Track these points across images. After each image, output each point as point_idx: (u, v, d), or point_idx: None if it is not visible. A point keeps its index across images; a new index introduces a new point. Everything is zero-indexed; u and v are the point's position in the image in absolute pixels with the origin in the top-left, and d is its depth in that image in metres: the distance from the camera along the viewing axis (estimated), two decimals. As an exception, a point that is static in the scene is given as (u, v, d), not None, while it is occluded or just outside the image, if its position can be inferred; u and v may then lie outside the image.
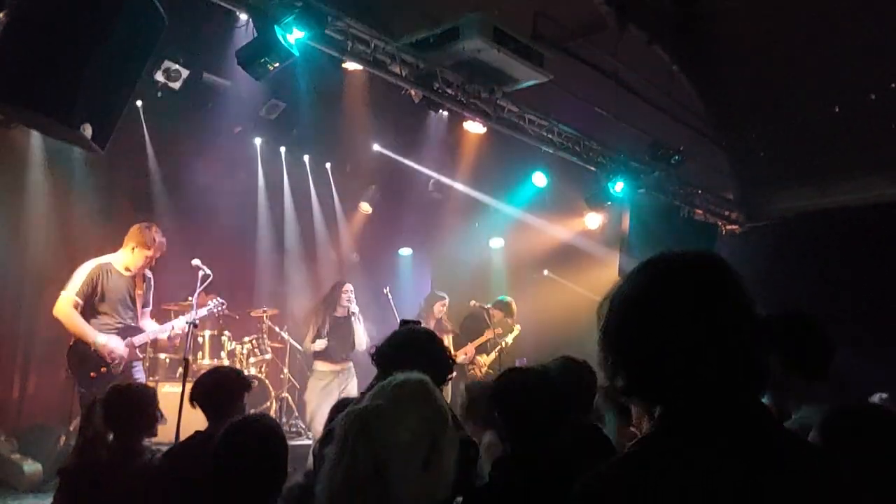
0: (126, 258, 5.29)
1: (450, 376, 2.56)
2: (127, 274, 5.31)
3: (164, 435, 5.54)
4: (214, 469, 2.20)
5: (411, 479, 1.39)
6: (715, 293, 1.14)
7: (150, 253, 5.30)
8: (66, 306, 5.02)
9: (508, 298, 8.02)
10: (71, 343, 5.13)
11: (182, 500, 2.75)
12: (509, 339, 7.82)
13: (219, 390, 3.24)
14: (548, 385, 2.28)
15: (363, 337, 6.79)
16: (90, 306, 5.12)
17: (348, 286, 6.99)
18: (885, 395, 4.22)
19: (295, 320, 7.99)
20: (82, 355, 5.06)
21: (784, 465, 1.09)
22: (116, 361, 5.11)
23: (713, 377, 1.10)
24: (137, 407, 3.25)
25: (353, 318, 6.81)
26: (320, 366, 6.79)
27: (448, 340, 7.48)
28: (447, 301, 7.68)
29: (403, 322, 2.82)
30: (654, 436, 1.15)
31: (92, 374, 5.02)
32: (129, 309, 5.33)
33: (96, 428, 3.14)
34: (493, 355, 7.76)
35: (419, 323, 2.93)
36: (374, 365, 2.42)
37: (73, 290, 5.05)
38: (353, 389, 6.66)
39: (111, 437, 3.15)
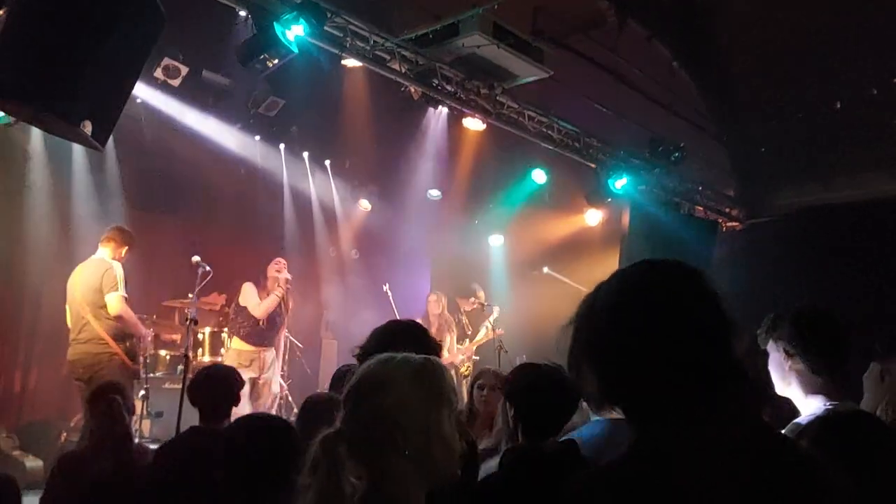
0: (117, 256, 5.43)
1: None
2: None
3: (165, 430, 5.61)
4: (225, 465, 2.21)
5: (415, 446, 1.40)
6: (690, 299, 1.18)
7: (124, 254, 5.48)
8: (124, 304, 5.22)
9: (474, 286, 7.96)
10: (125, 342, 5.27)
11: (177, 495, 2.76)
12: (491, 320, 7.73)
13: (215, 389, 3.26)
14: (561, 381, 2.30)
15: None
16: None
17: (278, 259, 6.70)
18: None
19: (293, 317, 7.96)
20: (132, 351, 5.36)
21: (767, 463, 1.12)
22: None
23: (692, 379, 1.13)
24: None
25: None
26: (239, 344, 6.39)
27: (450, 340, 7.44)
28: (439, 296, 7.58)
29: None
30: (641, 440, 1.17)
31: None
32: None
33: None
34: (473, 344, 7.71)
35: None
36: (358, 363, 2.37)
37: (122, 289, 5.24)
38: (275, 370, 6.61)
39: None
